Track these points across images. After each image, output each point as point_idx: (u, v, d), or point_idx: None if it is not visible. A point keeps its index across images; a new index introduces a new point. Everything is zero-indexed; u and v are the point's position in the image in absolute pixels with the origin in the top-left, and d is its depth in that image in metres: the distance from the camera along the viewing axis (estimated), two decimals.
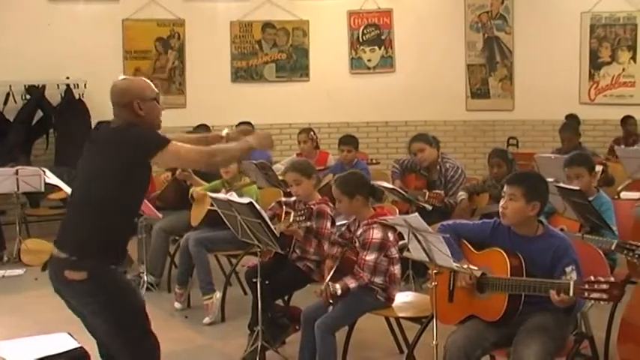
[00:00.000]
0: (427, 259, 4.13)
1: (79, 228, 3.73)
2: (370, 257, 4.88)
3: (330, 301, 4.77)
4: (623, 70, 11.04)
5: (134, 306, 3.80)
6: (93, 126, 4.03)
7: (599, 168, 7.38)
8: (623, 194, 7.14)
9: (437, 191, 7.07)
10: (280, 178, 7.42)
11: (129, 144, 3.70)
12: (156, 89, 3.95)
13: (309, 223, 5.46)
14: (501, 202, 4.18)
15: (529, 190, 4.14)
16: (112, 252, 3.77)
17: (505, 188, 4.20)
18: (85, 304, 3.73)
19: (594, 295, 3.59)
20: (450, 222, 4.57)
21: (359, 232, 5.03)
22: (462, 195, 7.11)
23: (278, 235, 5.10)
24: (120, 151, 3.71)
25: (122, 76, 4.02)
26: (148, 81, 3.97)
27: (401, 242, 4.80)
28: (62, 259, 3.69)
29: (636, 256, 4.52)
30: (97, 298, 3.67)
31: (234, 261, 6.87)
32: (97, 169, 3.76)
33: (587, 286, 3.62)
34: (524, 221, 4.16)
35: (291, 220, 5.37)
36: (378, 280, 4.92)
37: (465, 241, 4.37)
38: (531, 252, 4.07)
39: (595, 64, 11.18)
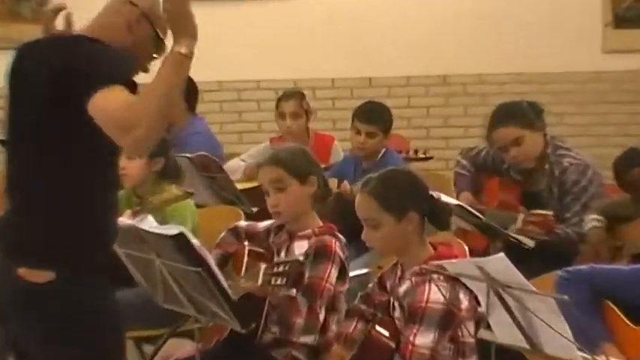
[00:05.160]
0: (525, 345, 2.86)
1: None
2: (424, 339, 3.04)
3: None
4: None
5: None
6: None
7: None
8: None
9: (542, 211, 4.68)
10: (239, 186, 5.22)
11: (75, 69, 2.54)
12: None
13: (293, 291, 3.41)
14: None
15: None
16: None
17: None
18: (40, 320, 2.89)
19: None
20: (583, 267, 3.49)
21: (403, 289, 3.20)
22: (593, 219, 4.59)
23: (236, 298, 3.18)
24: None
25: None
26: None
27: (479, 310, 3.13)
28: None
29: None
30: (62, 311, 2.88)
31: (149, 349, 4.53)
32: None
33: None
34: None
35: (260, 278, 3.32)
36: None
37: (611, 305, 3.32)
38: None
39: None
